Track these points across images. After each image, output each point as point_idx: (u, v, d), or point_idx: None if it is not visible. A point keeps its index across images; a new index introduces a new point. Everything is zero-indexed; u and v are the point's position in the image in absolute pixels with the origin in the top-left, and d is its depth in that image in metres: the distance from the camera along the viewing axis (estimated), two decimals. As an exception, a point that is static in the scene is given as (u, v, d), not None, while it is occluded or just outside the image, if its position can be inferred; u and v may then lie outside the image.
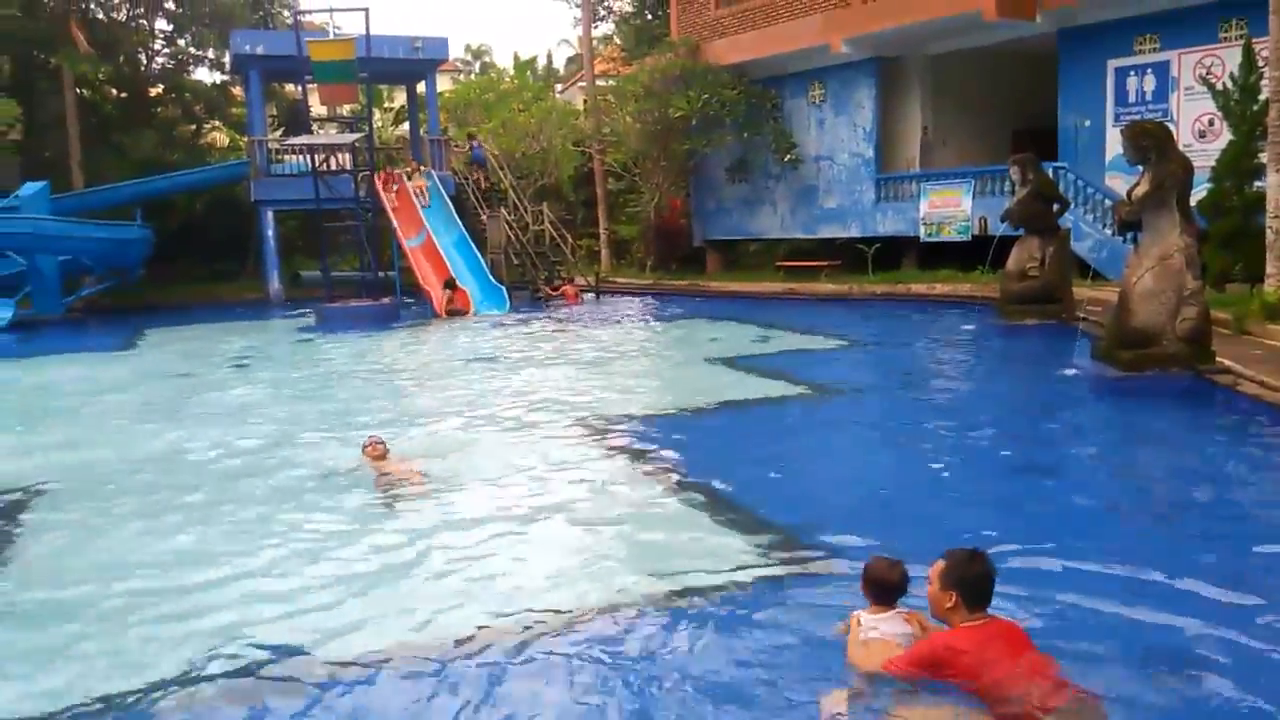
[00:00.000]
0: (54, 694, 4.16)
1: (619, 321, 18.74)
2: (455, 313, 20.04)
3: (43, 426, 10.23)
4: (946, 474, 7.21)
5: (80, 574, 5.62)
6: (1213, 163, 14.27)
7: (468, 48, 50.56)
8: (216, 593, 5.25)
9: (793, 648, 4.28)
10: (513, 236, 24.56)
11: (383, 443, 7.81)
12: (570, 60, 47.06)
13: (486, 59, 50.19)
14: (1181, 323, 9.71)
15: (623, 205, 30.00)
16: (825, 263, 22.30)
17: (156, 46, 31.44)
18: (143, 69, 30.91)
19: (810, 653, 4.20)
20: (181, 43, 31.26)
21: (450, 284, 20.69)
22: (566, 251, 25.02)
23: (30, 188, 22.44)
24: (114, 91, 30.47)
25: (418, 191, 22.92)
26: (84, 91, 28.30)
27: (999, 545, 5.63)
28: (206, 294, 26.87)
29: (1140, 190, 9.94)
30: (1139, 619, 4.53)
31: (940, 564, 3.83)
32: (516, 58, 44.00)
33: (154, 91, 31.70)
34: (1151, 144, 9.94)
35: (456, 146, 28.44)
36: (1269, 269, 12.34)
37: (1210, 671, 4.00)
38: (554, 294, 22.30)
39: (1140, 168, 10.14)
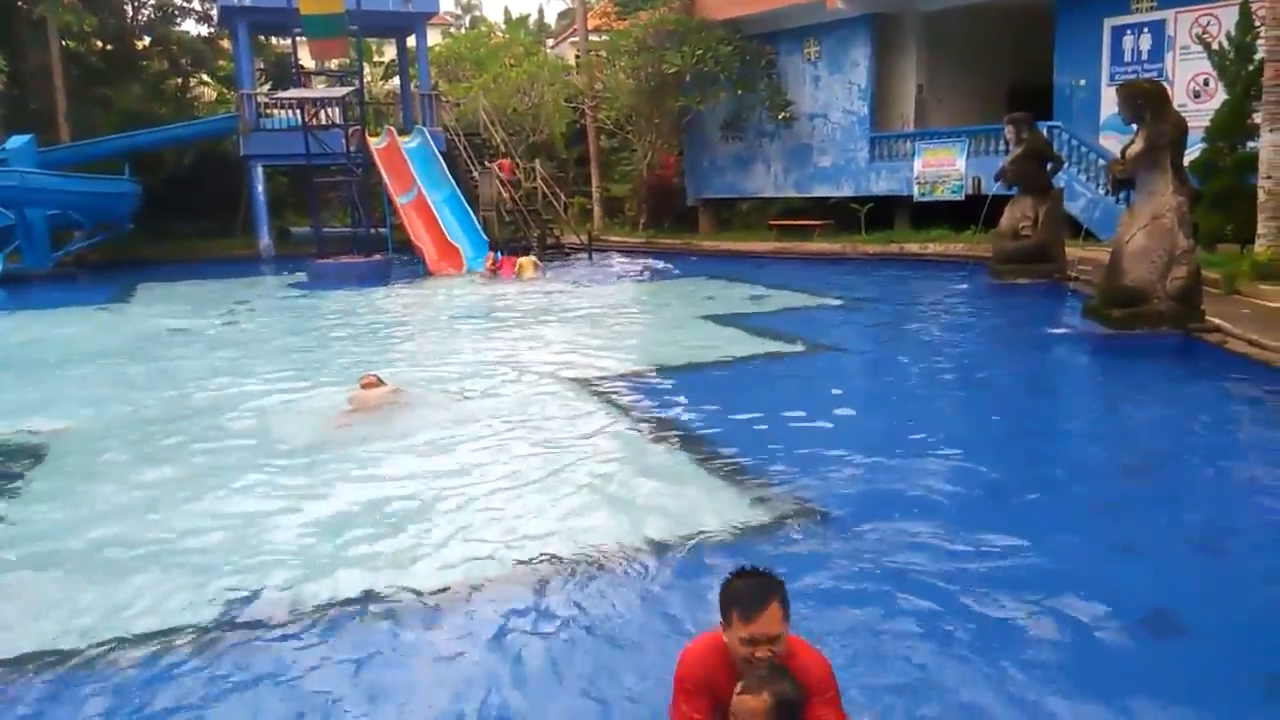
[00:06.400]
0: (80, 631, 4.27)
1: (612, 280, 18.73)
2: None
3: (37, 381, 10.23)
4: (932, 431, 7.27)
5: (86, 523, 5.69)
6: (1207, 123, 14.25)
7: (457, 1, 49.95)
8: (208, 539, 5.33)
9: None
10: (504, 194, 24.44)
11: (378, 378, 8.25)
12: (562, 15, 46.50)
13: (476, 13, 49.63)
14: (1172, 282, 9.78)
15: (615, 163, 29.80)
16: (818, 222, 22.26)
17: (142, -3, 30.95)
18: (129, 20, 30.42)
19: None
20: (168, -7, 30.79)
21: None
22: (559, 209, 24.90)
23: (16, 140, 22.18)
24: (99, 44, 30.01)
25: (525, 271, 19.35)
26: (69, 43, 27.88)
27: (979, 502, 5.75)
28: (196, 249, 26.72)
29: (1134, 149, 9.96)
30: (1118, 578, 4.64)
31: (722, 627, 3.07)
32: (507, 12, 43.59)
33: (140, 44, 31.22)
34: (1146, 103, 9.94)
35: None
36: (1260, 229, 12.39)
37: (1188, 631, 4.12)
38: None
39: (1134, 127, 10.14)
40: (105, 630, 4.29)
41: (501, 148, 25.83)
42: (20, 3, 26.71)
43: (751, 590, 2.94)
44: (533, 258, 20.29)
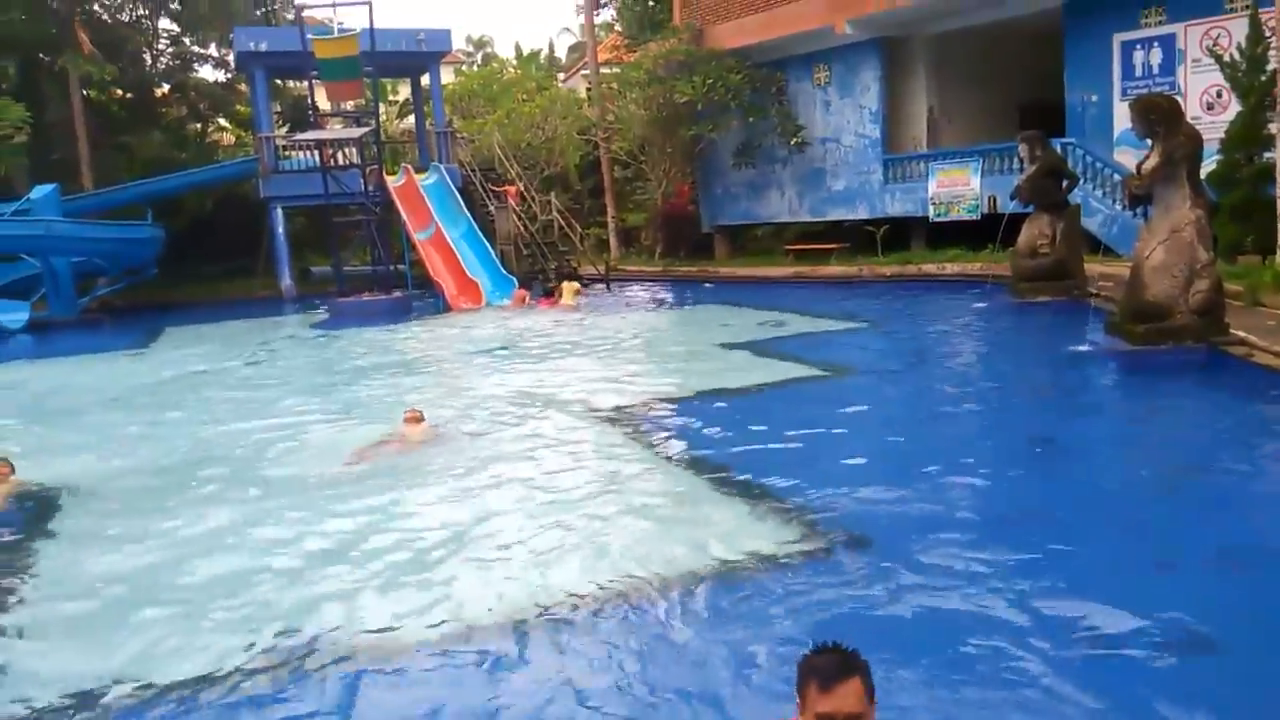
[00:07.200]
0: (107, 676, 4.31)
1: (632, 310, 18.81)
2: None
3: (66, 427, 10.34)
4: (960, 453, 7.26)
5: (118, 569, 5.75)
6: (1221, 134, 14.24)
7: (469, 39, 50.59)
8: (245, 581, 5.37)
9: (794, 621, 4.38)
10: (521, 227, 24.62)
11: (421, 414, 8.46)
12: (572, 49, 46.98)
13: (488, 50, 50.22)
14: (1194, 296, 9.73)
15: (630, 193, 30.01)
16: (834, 245, 22.29)
17: (161, 46, 31.55)
18: (148, 69, 31.00)
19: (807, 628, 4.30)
20: (186, 41, 31.34)
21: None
22: (575, 241, 25.06)
23: (41, 190, 22.54)
24: (120, 93, 30.58)
25: (567, 297, 19.94)
26: (90, 93, 28.41)
27: (1010, 522, 5.73)
28: (219, 292, 27.01)
29: (1150, 164, 9.96)
30: (1151, 596, 4.62)
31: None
32: (518, 48, 44.06)
33: (160, 91, 31.81)
34: (1160, 117, 9.95)
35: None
36: (1280, 240, 12.36)
37: (1222, 649, 4.09)
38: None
39: (1148, 142, 10.15)
40: (136, 677, 4.34)
41: (516, 179, 26.07)
42: (42, 56, 27.27)
43: (832, 663, 2.62)
44: (575, 284, 20.72)
